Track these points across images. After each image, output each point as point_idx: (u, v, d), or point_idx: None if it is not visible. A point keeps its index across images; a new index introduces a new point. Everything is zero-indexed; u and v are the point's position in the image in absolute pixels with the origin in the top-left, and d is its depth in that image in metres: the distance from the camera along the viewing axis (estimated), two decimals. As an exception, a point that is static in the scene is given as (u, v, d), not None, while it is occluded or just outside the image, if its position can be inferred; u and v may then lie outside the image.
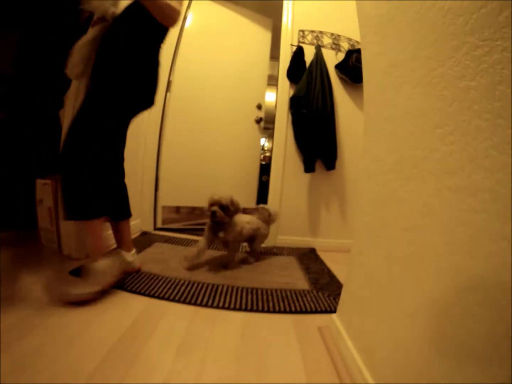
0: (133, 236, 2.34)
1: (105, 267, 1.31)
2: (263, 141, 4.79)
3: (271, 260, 2.11)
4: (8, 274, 1.42)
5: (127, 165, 1.63)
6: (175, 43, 2.59)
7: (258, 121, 2.97)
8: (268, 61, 3.09)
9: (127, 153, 1.63)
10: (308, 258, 2.18)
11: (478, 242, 0.48)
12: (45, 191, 1.82)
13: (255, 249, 2.07)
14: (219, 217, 1.69)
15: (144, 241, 2.23)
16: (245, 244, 2.13)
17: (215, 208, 1.70)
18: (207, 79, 2.83)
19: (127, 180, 1.63)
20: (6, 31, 2.02)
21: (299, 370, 0.97)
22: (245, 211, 2.04)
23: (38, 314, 1.12)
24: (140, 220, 2.50)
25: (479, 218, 0.48)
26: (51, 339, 0.99)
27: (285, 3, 2.62)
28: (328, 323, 1.21)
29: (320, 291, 1.58)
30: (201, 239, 1.81)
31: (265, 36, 3.11)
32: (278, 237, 2.48)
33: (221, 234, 1.81)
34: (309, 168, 2.37)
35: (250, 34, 3.05)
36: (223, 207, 1.71)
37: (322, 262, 2.10)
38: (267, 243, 2.47)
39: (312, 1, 2.58)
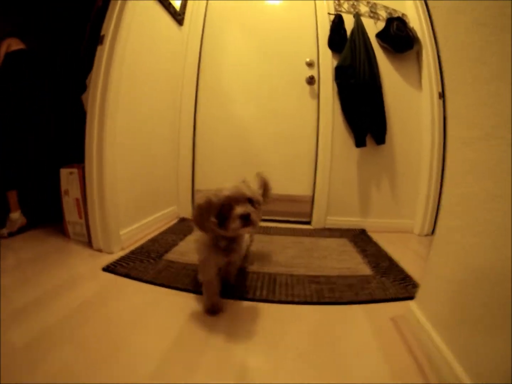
0: (171, 222, 2.30)
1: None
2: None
3: (325, 242, 1.98)
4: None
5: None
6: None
7: (310, 81, 2.34)
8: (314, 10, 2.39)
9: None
10: (361, 239, 2.04)
11: None
12: (71, 180, 1.76)
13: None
14: (254, 222, 0.96)
15: (183, 228, 2.14)
16: None
17: (247, 209, 0.96)
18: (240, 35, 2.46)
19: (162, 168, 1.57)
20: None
21: (382, 368, 0.85)
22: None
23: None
24: (176, 207, 2.43)
25: None
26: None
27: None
28: (403, 312, 1.08)
29: (384, 276, 1.44)
30: (204, 275, 1.13)
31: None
32: (327, 218, 2.34)
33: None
34: (360, 142, 2.19)
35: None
36: (252, 203, 1.01)
37: (376, 244, 1.96)
38: (315, 225, 2.34)
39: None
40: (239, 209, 0.94)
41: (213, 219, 0.98)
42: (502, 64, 0.63)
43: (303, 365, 0.86)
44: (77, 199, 1.75)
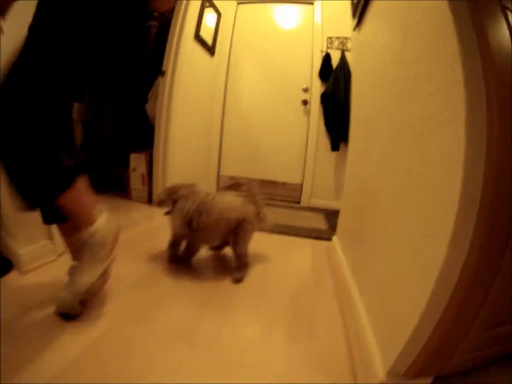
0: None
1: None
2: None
3: (302, 213, 2.76)
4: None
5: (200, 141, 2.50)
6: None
7: (304, 103, 3.16)
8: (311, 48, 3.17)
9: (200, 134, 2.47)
10: (333, 215, 2.75)
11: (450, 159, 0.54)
12: (138, 162, 2.59)
13: (240, 253, 1.30)
14: None
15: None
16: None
17: None
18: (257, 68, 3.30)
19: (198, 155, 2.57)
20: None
21: (308, 263, 1.64)
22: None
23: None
24: (205, 186, 3.23)
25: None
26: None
27: (315, 13, 3.15)
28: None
29: (334, 230, 2.17)
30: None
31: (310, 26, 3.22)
32: (312, 199, 3.15)
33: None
34: (334, 147, 2.97)
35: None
36: None
37: (343, 218, 2.71)
38: (302, 204, 3.14)
39: (338, 9, 3.03)
40: None
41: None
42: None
43: (262, 255, 1.67)
44: (142, 174, 2.60)
